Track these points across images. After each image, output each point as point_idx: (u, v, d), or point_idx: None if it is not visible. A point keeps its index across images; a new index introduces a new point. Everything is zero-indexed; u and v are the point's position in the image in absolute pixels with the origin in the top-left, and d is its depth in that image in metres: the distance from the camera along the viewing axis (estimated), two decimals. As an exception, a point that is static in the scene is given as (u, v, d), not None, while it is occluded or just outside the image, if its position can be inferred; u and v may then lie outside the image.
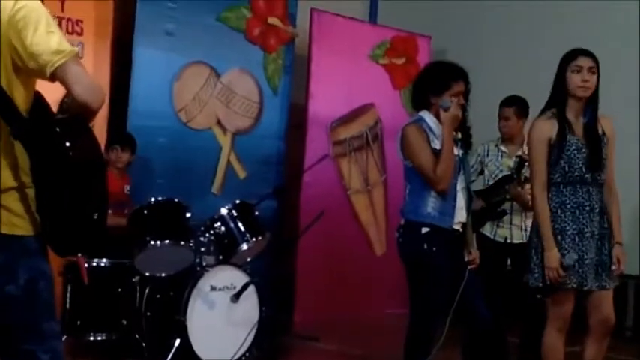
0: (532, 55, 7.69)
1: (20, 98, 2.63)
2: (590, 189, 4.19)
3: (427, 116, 4.24)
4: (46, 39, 2.57)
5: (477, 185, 5.72)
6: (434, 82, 4.24)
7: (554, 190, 4.22)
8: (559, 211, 4.21)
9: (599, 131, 4.22)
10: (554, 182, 4.21)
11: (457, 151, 4.26)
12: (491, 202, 5.56)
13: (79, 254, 4.96)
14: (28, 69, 2.61)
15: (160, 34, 6.81)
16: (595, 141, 4.19)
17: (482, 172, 5.76)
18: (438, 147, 4.16)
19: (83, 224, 2.66)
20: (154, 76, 6.79)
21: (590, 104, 4.23)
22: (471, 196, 4.33)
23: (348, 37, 7.94)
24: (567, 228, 4.18)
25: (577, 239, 4.17)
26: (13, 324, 2.69)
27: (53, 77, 2.59)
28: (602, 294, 4.21)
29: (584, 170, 4.16)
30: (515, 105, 5.61)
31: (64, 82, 2.59)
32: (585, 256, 4.16)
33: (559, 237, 4.18)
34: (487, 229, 5.57)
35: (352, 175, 8.03)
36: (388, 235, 7.98)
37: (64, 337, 5.43)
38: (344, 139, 7.98)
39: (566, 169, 4.18)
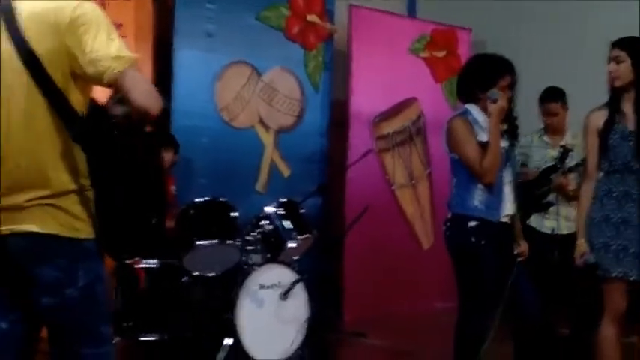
0: (571, 45, 7.59)
1: (77, 103, 2.65)
2: (639, 177, 4.16)
3: (473, 109, 4.20)
4: (106, 45, 2.59)
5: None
6: (480, 77, 4.21)
7: (604, 178, 4.24)
8: (605, 199, 4.22)
9: None
10: (604, 170, 4.22)
11: (504, 143, 4.22)
12: (536, 194, 5.51)
13: (136, 258, 4.99)
14: (85, 75, 2.63)
15: (199, 35, 6.84)
16: (639, 128, 4.16)
17: (525, 164, 5.72)
18: (484, 139, 4.12)
19: (141, 228, 2.68)
20: (195, 77, 6.82)
21: (638, 92, 4.20)
22: (518, 189, 4.29)
23: (387, 32, 7.90)
24: (612, 216, 4.19)
25: (621, 228, 4.17)
26: (70, 327, 2.72)
27: (110, 84, 2.61)
28: None
29: (629, 158, 4.15)
30: (561, 99, 5.59)
31: (122, 89, 2.59)
32: (630, 245, 4.14)
33: (603, 224, 4.19)
34: (533, 221, 5.53)
35: (396, 169, 8.00)
36: (435, 228, 7.95)
37: (115, 339, 5.50)
38: (387, 133, 7.95)
39: (612, 157, 4.18)
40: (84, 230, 2.68)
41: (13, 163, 2.64)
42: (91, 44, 2.59)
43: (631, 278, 4.14)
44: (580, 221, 4.26)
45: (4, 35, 2.64)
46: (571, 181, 5.43)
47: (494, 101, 4.09)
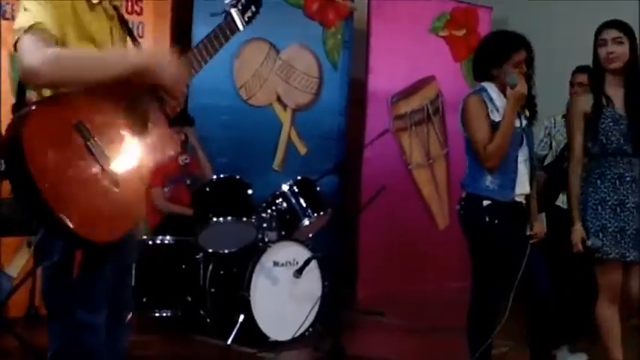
0: (594, 24, 7.50)
1: None
2: (632, 160, 4.20)
3: (489, 87, 4.16)
4: (18, 17, 2.52)
5: (548, 158, 5.68)
6: (493, 54, 4.16)
7: (594, 162, 4.25)
8: (599, 182, 4.23)
9: None
10: (594, 154, 4.23)
11: (520, 123, 4.18)
12: (561, 173, 5.48)
13: None
14: None
15: (218, 11, 6.79)
16: (635, 112, 4.18)
17: (551, 146, 5.70)
18: (497, 119, 4.08)
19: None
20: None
21: (629, 75, 4.21)
22: (534, 168, 4.25)
23: (407, 10, 7.85)
24: (607, 198, 4.20)
25: (618, 210, 4.19)
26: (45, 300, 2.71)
27: None
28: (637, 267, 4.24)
29: (622, 141, 4.17)
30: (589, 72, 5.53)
31: None
32: (627, 227, 4.18)
33: (599, 207, 4.21)
34: (560, 201, 5.50)
35: (413, 149, 7.98)
36: (451, 208, 7.93)
37: (129, 315, 5.53)
38: (404, 113, 7.92)
39: (604, 140, 4.18)
40: None
41: None
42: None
43: (628, 259, 4.18)
44: (575, 205, 4.24)
45: None
46: None
47: (513, 87, 4.03)
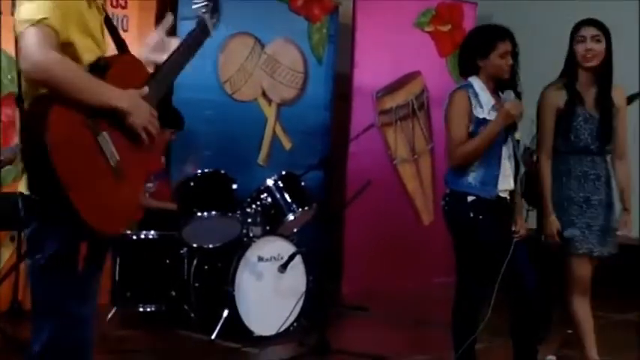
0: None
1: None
2: (595, 158, 4.31)
3: (475, 82, 4.16)
4: (20, 8, 2.54)
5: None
6: (479, 45, 4.17)
7: (562, 158, 4.32)
8: (564, 179, 4.32)
9: (612, 102, 4.29)
10: (561, 151, 4.30)
11: None
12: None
13: None
14: None
15: (191, 16, 6.77)
16: (605, 112, 4.26)
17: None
18: (480, 115, 4.08)
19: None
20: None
21: (602, 74, 4.28)
22: (518, 164, 4.26)
23: (392, 5, 7.84)
24: (573, 195, 4.30)
25: (584, 207, 4.29)
26: (34, 292, 2.68)
27: None
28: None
29: (590, 140, 4.26)
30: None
31: None
32: (592, 224, 4.28)
33: (565, 203, 4.30)
34: None
35: (398, 144, 7.98)
36: (435, 204, 7.93)
37: (113, 309, 5.53)
38: (390, 108, 7.91)
39: (572, 138, 4.27)
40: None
41: None
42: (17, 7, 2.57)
43: (594, 255, 4.28)
44: (547, 197, 4.30)
45: None
46: None
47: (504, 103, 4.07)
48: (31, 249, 2.66)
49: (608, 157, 4.38)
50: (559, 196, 4.31)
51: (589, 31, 4.26)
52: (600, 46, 4.24)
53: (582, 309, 4.36)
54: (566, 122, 4.27)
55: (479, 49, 4.16)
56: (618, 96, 4.35)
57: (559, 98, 4.30)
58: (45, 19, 2.47)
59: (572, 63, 4.32)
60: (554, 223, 4.26)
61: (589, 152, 4.28)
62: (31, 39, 2.45)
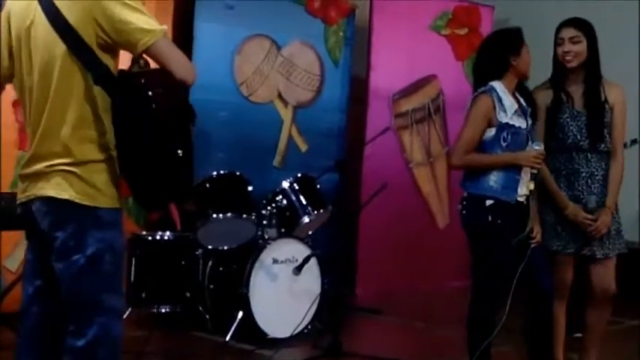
0: (596, 23, 7.49)
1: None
2: (589, 156, 4.28)
3: (498, 86, 4.14)
4: (135, 17, 2.65)
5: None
6: (512, 43, 4.18)
7: (550, 157, 4.30)
8: (553, 177, 4.31)
9: (602, 99, 4.28)
10: (550, 149, 4.28)
11: (526, 123, 4.18)
12: None
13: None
14: (115, 45, 2.71)
15: (220, 8, 6.81)
16: (594, 109, 4.25)
17: None
18: (503, 120, 4.07)
19: (167, 162, 2.71)
20: (215, 50, 6.80)
21: (588, 72, 4.28)
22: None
23: (408, 8, 7.84)
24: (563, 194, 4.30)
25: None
26: (75, 293, 2.76)
27: (141, 54, 2.72)
28: (604, 262, 4.30)
29: (579, 137, 4.25)
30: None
31: (156, 60, 2.68)
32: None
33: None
34: None
35: (414, 147, 7.97)
36: (450, 207, 7.93)
37: (128, 310, 5.54)
38: (406, 111, 7.91)
39: (560, 136, 4.28)
40: (99, 199, 2.75)
41: (42, 132, 2.76)
42: (118, 14, 2.64)
43: (588, 254, 4.27)
44: (556, 191, 4.30)
45: (38, 9, 2.73)
46: None
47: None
48: (65, 251, 2.74)
49: (604, 156, 4.31)
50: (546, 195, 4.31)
51: (567, 33, 4.28)
52: (579, 47, 4.25)
53: (556, 312, 4.32)
54: (552, 120, 4.29)
55: (513, 46, 4.16)
56: (615, 93, 4.33)
57: (547, 97, 4.33)
58: (165, 29, 2.68)
59: (557, 63, 4.35)
60: (575, 209, 4.23)
61: (580, 149, 4.26)
62: (175, 48, 2.67)
